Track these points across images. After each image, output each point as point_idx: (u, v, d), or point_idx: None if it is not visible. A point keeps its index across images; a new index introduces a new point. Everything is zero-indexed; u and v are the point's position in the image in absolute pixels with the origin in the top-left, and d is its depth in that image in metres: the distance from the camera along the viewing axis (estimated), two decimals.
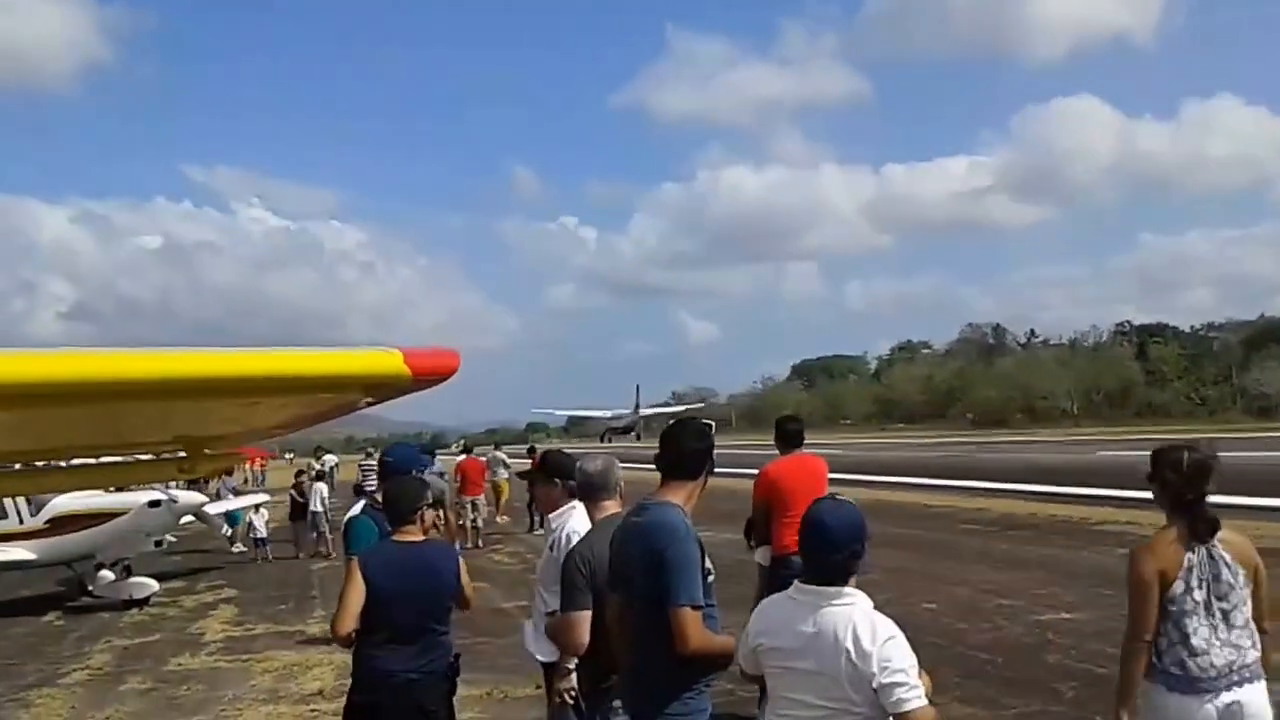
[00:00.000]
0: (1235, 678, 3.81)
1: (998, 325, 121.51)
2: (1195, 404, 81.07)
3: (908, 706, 3.11)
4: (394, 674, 4.72)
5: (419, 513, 4.93)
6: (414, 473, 5.57)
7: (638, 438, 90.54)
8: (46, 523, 15.11)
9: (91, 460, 6.73)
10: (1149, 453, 4.07)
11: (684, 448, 3.96)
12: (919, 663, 3.18)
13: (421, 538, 4.93)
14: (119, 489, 16.69)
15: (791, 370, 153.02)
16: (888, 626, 3.21)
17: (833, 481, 7.18)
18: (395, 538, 4.93)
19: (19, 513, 15.09)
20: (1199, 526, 3.90)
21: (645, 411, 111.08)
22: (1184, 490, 3.94)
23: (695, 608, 3.62)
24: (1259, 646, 3.90)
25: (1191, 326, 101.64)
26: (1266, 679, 3.88)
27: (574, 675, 4.66)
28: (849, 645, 3.16)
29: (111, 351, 3.51)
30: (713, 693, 3.87)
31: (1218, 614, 3.84)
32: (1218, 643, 3.81)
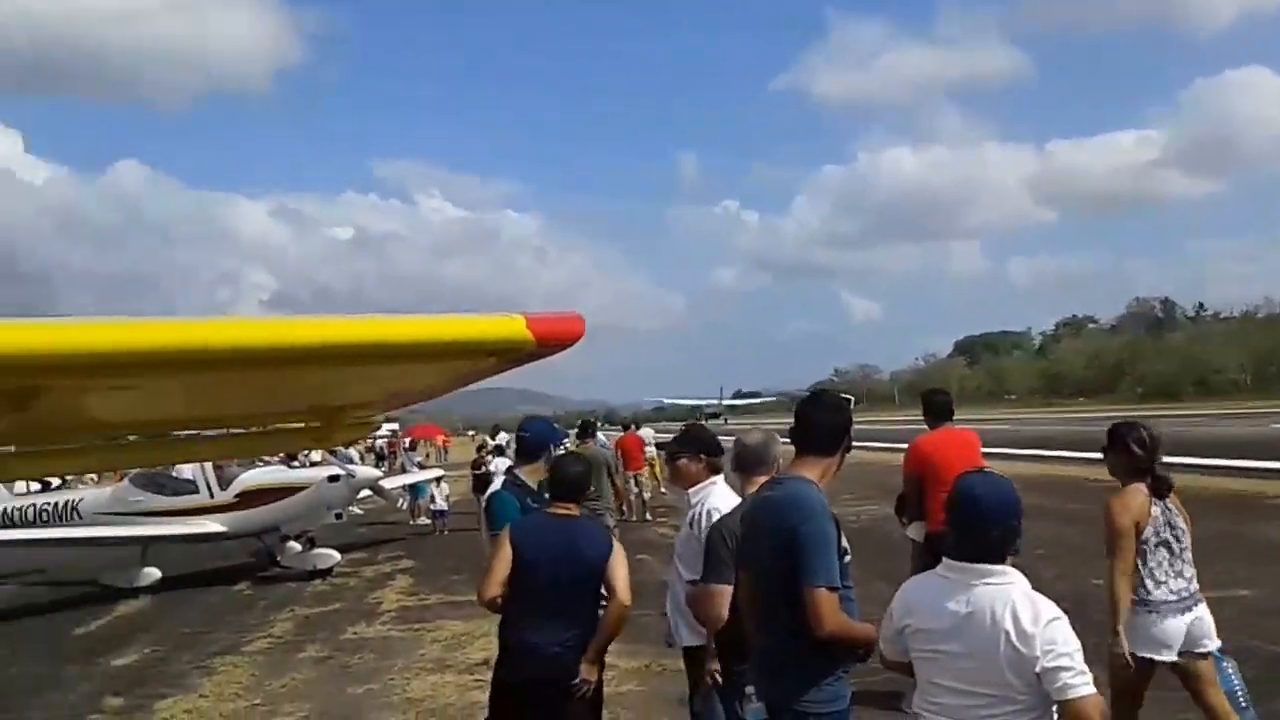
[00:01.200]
0: (1192, 600, 4.89)
1: (1166, 299, 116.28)
2: None
3: (1074, 693, 2.90)
4: (539, 647, 4.71)
5: (583, 493, 4.97)
6: (550, 447, 5.61)
7: (725, 421, 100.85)
8: (235, 497, 15.83)
9: (227, 431, 6.68)
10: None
11: (819, 421, 3.75)
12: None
13: (576, 513, 4.92)
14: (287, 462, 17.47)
15: (954, 347, 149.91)
16: (1050, 608, 3.02)
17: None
18: (550, 509, 4.94)
19: (209, 487, 15.86)
20: (1161, 487, 4.92)
21: (728, 401, 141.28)
22: (1148, 458, 4.92)
23: (831, 589, 3.41)
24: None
25: None
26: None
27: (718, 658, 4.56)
28: (1009, 627, 2.96)
29: (231, 320, 3.50)
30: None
31: (1177, 552, 4.89)
32: (1173, 574, 4.86)
